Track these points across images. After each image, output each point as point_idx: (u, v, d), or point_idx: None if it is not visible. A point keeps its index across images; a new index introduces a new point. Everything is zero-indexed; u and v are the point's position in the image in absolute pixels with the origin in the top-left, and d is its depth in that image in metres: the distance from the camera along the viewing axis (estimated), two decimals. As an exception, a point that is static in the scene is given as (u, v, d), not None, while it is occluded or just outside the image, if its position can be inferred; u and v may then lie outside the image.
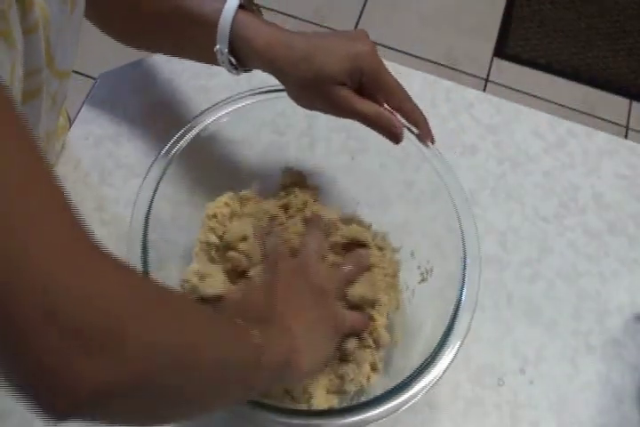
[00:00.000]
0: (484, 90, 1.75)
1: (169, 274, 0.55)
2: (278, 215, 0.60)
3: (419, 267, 0.61)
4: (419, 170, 0.61)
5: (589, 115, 1.77)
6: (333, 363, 0.55)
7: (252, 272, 0.55)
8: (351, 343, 0.55)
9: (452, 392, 0.63)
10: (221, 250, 0.57)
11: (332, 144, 0.67)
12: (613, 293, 0.70)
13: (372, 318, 0.56)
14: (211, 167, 0.63)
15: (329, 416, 0.49)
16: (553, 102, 1.77)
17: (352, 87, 0.54)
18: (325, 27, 1.77)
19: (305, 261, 0.55)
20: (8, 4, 0.38)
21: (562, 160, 0.78)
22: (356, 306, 0.56)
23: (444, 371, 0.50)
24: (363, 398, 0.53)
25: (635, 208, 0.76)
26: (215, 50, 0.55)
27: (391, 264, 0.60)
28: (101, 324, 0.30)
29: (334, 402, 0.54)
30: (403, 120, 0.56)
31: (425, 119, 0.58)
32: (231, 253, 0.56)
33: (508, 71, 1.81)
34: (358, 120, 0.55)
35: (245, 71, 0.58)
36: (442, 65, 1.78)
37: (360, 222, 0.62)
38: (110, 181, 0.69)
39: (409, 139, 0.58)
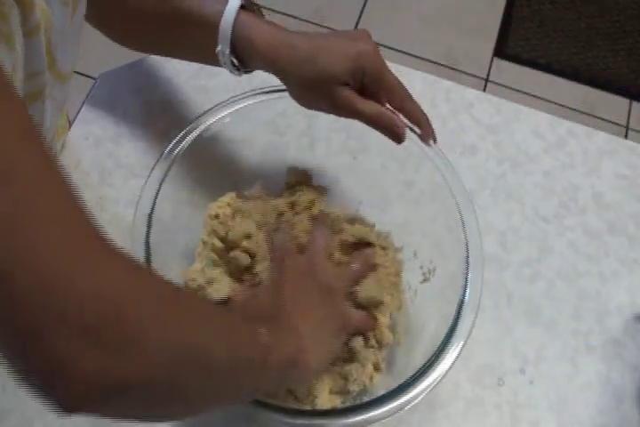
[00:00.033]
0: (484, 90, 1.75)
1: (170, 274, 0.55)
2: (286, 212, 0.59)
3: (421, 267, 0.61)
4: (420, 169, 0.61)
5: (589, 115, 1.77)
6: (338, 362, 0.55)
7: (258, 268, 0.55)
8: (357, 342, 0.55)
9: (452, 392, 0.63)
10: (225, 250, 0.57)
11: (332, 144, 0.67)
12: (613, 293, 0.71)
13: (374, 318, 0.56)
14: (212, 167, 0.63)
15: (332, 416, 0.49)
16: (553, 102, 1.77)
17: (354, 87, 0.54)
18: (325, 27, 1.77)
19: (312, 258, 0.55)
20: (9, 6, 0.38)
21: (562, 160, 0.78)
22: (360, 305, 0.55)
23: (447, 371, 0.50)
24: (365, 398, 0.53)
25: (635, 208, 0.76)
26: (217, 51, 0.55)
27: (394, 264, 0.59)
28: (114, 321, 0.30)
29: (337, 402, 0.54)
30: (405, 120, 0.56)
31: (427, 119, 0.58)
32: (235, 253, 0.55)
33: (508, 71, 1.81)
34: (361, 120, 0.55)
35: (247, 72, 0.58)
36: (442, 65, 1.78)
37: (363, 222, 0.62)
38: (110, 181, 0.69)
39: (411, 138, 0.58)
